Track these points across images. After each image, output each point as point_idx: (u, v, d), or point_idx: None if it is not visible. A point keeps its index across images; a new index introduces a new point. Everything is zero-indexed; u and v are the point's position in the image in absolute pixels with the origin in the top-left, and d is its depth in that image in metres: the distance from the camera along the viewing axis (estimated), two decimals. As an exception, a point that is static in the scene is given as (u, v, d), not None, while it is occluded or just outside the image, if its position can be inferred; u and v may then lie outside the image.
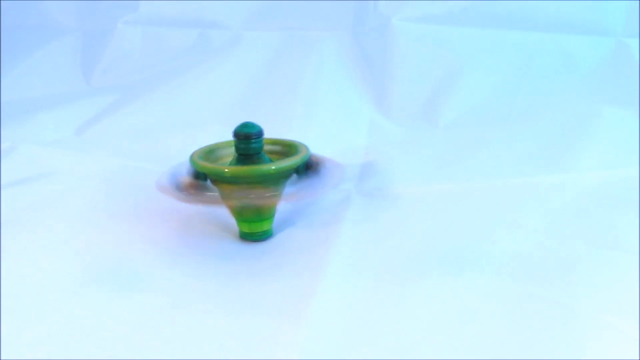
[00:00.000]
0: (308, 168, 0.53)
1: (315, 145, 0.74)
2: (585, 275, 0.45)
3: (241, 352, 0.38)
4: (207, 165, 0.51)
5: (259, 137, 0.52)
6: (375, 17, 0.88)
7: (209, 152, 0.55)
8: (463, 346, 0.38)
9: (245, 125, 0.52)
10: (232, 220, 0.54)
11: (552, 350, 0.37)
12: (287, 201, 0.52)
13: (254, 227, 0.53)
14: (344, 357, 0.37)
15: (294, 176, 0.53)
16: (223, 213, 0.54)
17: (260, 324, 0.41)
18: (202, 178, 0.52)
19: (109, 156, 0.73)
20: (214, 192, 0.50)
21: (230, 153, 0.55)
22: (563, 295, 0.43)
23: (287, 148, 0.56)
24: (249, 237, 0.53)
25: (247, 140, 0.51)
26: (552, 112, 0.79)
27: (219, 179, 0.51)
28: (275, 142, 0.57)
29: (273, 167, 0.50)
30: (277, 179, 0.51)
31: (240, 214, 0.53)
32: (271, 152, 0.55)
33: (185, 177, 0.52)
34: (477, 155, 0.71)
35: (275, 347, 0.38)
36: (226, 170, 0.50)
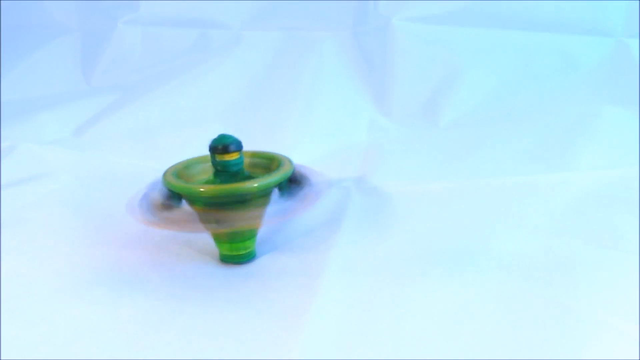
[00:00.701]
0: (291, 182, 0.49)
1: (315, 145, 0.74)
2: (585, 275, 0.45)
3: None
4: (180, 185, 0.46)
5: (238, 151, 0.47)
6: (376, 17, 0.88)
7: (185, 169, 0.50)
8: (463, 346, 0.38)
9: (223, 137, 0.47)
10: (210, 241, 0.49)
11: (552, 350, 0.37)
12: (272, 222, 0.47)
13: (235, 249, 0.48)
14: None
15: (277, 192, 0.48)
16: (200, 232, 0.49)
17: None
18: (177, 198, 0.47)
19: (109, 156, 0.73)
20: (190, 215, 0.46)
21: (209, 169, 0.50)
22: (562, 295, 0.43)
23: (269, 161, 0.51)
24: (230, 259, 0.48)
25: (224, 155, 0.47)
26: (552, 111, 0.79)
27: (195, 200, 0.46)
28: (255, 154, 0.52)
29: (256, 185, 0.45)
30: (260, 197, 0.46)
31: (219, 234, 0.48)
32: (251, 166, 0.51)
33: (158, 198, 0.47)
34: (478, 154, 0.71)
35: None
36: (202, 189, 0.45)
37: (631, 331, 0.39)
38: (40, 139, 0.78)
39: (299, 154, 0.73)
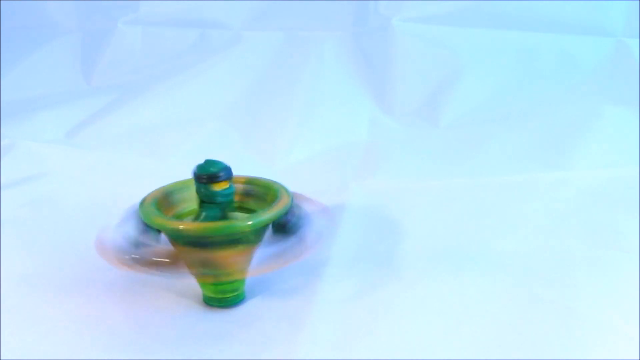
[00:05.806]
0: (289, 216, 0.42)
1: (316, 144, 0.74)
2: (585, 275, 0.45)
3: None
4: (156, 219, 0.39)
5: (227, 180, 0.41)
6: (376, 17, 0.88)
7: (166, 196, 0.43)
8: (462, 346, 0.38)
9: (209, 164, 0.40)
10: (192, 280, 0.42)
11: (552, 350, 0.37)
12: (265, 270, 0.41)
13: (222, 291, 0.41)
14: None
15: (271, 228, 0.42)
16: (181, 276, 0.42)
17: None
18: (155, 233, 0.40)
19: (108, 155, 0.73)
20: (170, 255, 0.40)
21: (195, 196, 0.42)
22: (562, 294, 0.43)
23: (264, 190, 0.44)
24: (215, 302, 0.42)
25: (212, 184, 0.40)
26: (552, 111, 0.79)
27: (175, 238, 0.40)
28: (249, 181, 0.45)
29: (249, 223, 0.39)
30: (253, 236, 0.40)
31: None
32: (244, 195, 0.45)
33: (134, 232, 0.40)
34: (478, 153, 0.71)
35: None
36: (181, 227, 0.39)
37: (631, 331, 0.39)
38: (40, 137, 0.78)
39: (299, 153, 0.73)
